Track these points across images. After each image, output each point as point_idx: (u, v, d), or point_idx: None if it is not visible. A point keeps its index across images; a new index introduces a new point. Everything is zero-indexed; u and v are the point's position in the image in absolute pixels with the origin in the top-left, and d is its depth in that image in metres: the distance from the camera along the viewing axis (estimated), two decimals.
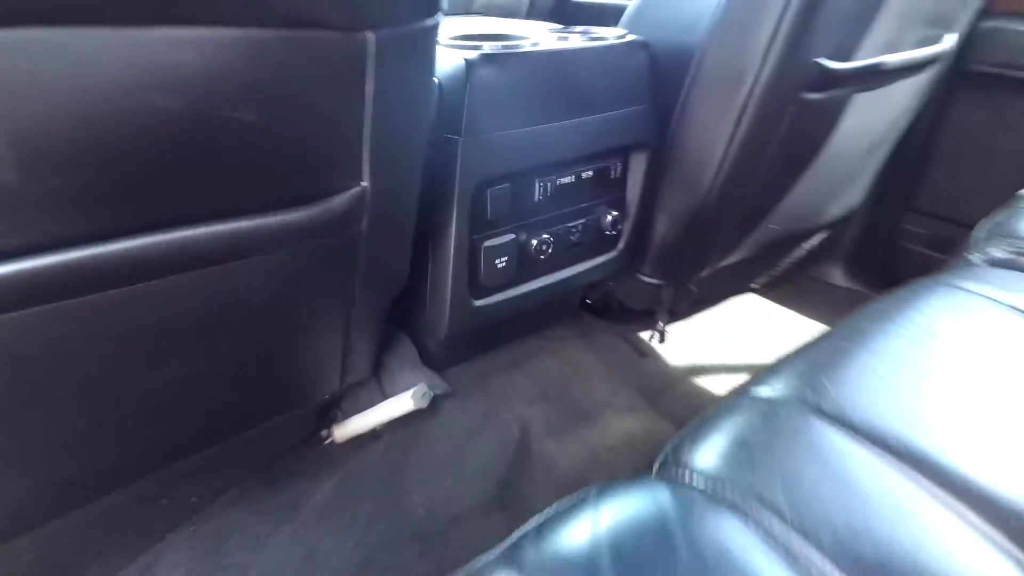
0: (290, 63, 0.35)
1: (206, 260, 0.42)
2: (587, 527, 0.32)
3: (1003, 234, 0.67)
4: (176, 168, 0.36)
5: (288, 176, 0.41)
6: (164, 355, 0.48)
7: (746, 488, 0.34)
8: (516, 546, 0.32)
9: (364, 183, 0.45)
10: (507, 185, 0.66)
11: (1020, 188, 0.82)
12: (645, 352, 1.03)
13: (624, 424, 0.89)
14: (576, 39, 0.70)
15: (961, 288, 0.56)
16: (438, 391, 0.83)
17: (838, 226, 1.21)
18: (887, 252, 1.26)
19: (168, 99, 0.32)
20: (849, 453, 0.37)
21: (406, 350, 0.83)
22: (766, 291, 1.30)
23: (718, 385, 1.00)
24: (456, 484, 0.78)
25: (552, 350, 0.97)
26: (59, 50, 0.28)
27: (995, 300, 0.54)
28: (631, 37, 0.73)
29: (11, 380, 0.40)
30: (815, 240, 1.21)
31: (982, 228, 0.71)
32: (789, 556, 0.30)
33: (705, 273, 0.97)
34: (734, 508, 0.33)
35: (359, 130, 0.41)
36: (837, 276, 1.35)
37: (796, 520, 0.32)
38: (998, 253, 0.64)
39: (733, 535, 0.31)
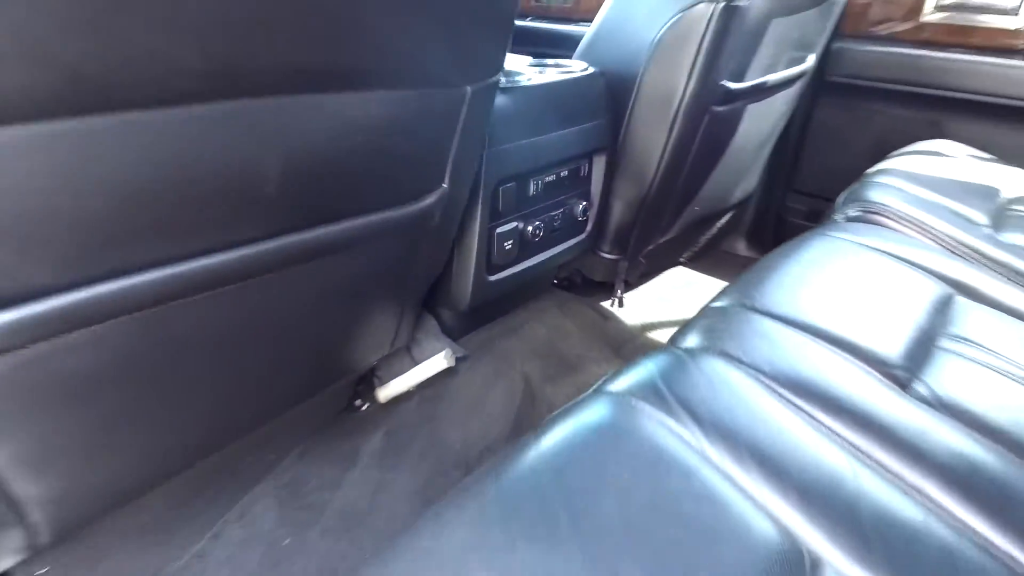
0: (422, 108, 0.53)
1: (335, 249, 0.58)
2: (559, 430, 0.44)
3: (855, 200, 0.95)
4: (344, 181, 0.53)
5: (403, 182, 0.59)
6: (276, 333, 0.63)
7: (676, 389, 0.52)
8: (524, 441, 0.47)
9: (445, 185, 0.63)
10: (512, 184, 0.86)
11: (867, 168, 1.12)
12: (608, 316, 1.26)
13: (600, 369, 1.11)
14: (552, 73, 0.91)
15: (830, 236, 0.82)
16: (458, 354, 1.01)
17: (740, 207, 1.50)
18: (776, 225, 1.58)
19: (354, 136, 0.50)
20: (780, 336, 0.60)
21: (429, 323, 1.00)
22: (691, 263, 1.58)
23: (663, 336, 1.25)
24: (481, 425, 0.96)
25: (538, 319, 1.18)
26: (300, 109, 0.45)
27: (851, 241, 0.81)
28: (591, 69, 0.95)
29: (166, 360, 0.51)
30: (724, 219, 1.50)
31: (842, 197, 1.00)
32: (710, 456, 0.52)
33: (649, 248, 1.21)
34: (664, 411, 0.47)
35: (449, 148, 0.60)
36: (741, 247, 1.65)
37: (712, 427, 0.46)
38: (852, 212, 0.92)
39: (651, 433, 0.44)
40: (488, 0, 0.50)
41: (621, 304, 1.27)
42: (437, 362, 0.96)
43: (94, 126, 0.34)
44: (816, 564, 0.38)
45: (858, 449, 0.48)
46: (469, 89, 0.55)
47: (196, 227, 0.44)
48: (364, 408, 1.00)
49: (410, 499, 0.85)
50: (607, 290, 1.27)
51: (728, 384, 0.51)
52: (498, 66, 0.57)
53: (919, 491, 0.45)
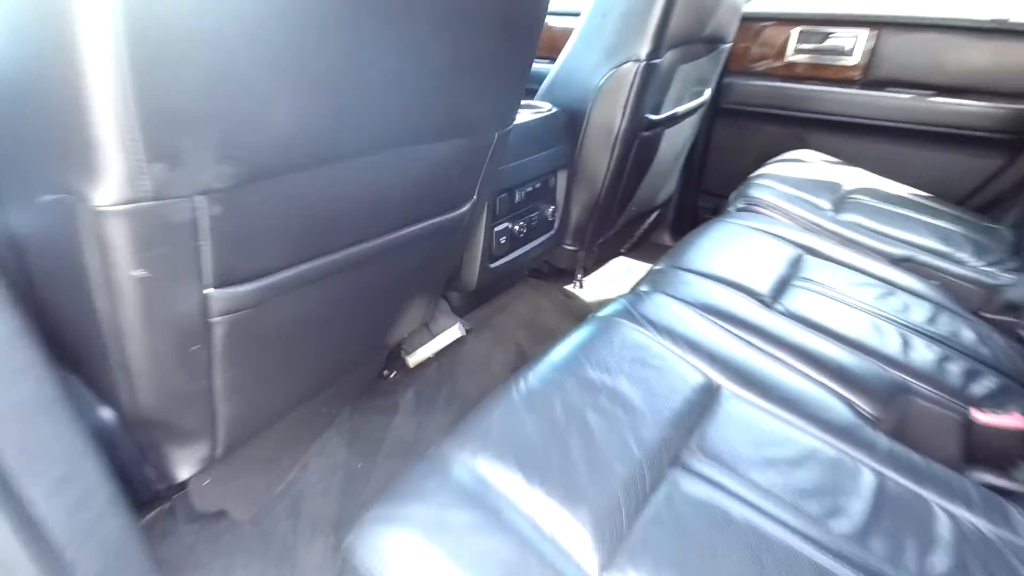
0: (469, 149, 0.81)
1: (406, 245, 0.85)
2: (574, 337, 0.79)
3: (742, 196, 1.31)
4: (419, 196, 0.80)
5: (450, 197, 0.87)
6: (363, 307, 0.89)
7: (640, 311, 0.86)
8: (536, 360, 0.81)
9: (475, 198, 0.92)
10: (505, 194, 1.16)
11: (751, 173, 1.50)
12: (572, 295, 1.58)
13: None
14: (528, 113, 1.21)
15: (726, 222, 1.17)
16: (466, 327, 1.29)
17: (664, 206, 1.87)
18: (691, 219, 1.96)
19: (431, 169, 0.77)
20: (697, 283, 0.93)
21: (442, 304, 1.28)
22: (629, 253, 1.92)
23: None
24: (488, 379, 1.25)
25: (520, 300, 1.48)
26: (407, 154, 0.72)
27: (739, 225, 1.16)
28: (554, 109, 1.27)
29: (321, 316, 0.78)
30: (652, 217, 1.86)
31: (733, 195, 1.36)
32: (662, 342, 0.84)
33: (600, 240, 1.54)
34: (634, 323, 0.85)
35: (479, 173, 0.88)
36: (666, 239, 2.03)
37: (662, 328, 0.85)
38: (740, 205, 1.28)
39: (629, 333, 0.83)
40: (513, 82, 0.80)
41: (581, 286, 1.59)
42: (452, 333, 1.24)
43: (320, 172, 0.61)
44: (720, 388, 0.70)
45: (744, 339, 0.81)
46: (496, 135, 0.84)
47: (346, 230, 0.71)
48: (392, 376, 1.25)
49: (444, 432, 1.11)
50: (569, 276, 1.58)
51: (669, 308, 0.83)
52: (513, 118, 0.87)
53: (781, 360, 0.78)
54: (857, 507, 0.58)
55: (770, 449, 0.62)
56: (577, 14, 1.32)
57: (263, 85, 0.49)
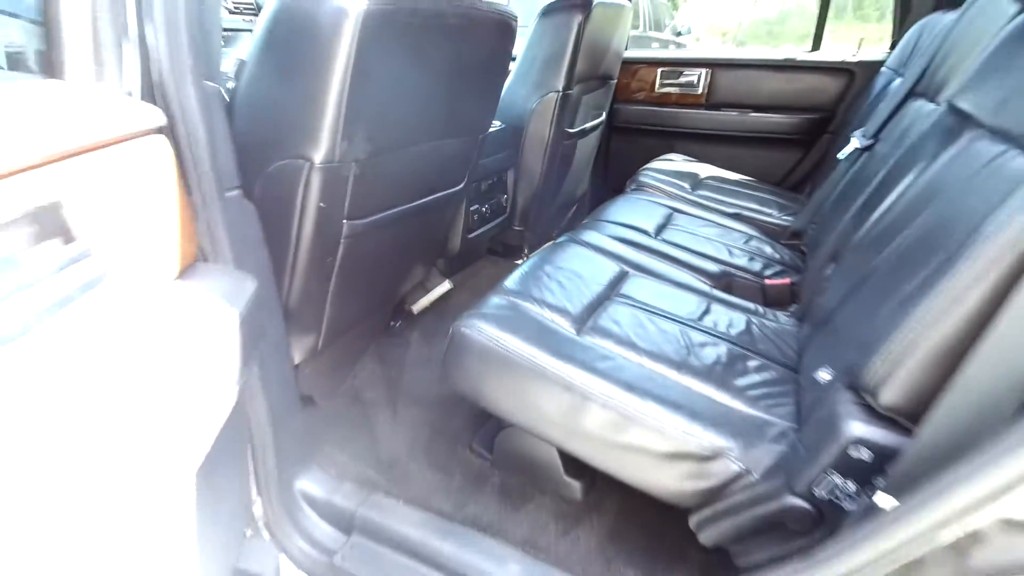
0: (465, 146, 1.28)
1: (431, 206, 1.29)
2: (537, 254, 1.30)
3: (635, 182, 1.87)
4: (441, 174, 1.25)
5: (455, 178, 1.32)
6: (403, 254, 1.32)
7: (577, 239, 1.36)
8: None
9: (464, 181, 1.38)
10: (475, 183, 1.62)
11: (639, 169, 2.06)
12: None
13: None
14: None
15: (625, 197, 1.71)
16: (451, 284, 1.72)
17: (581, 200, 2.41)
18: None
19: (445, 157, 1.23)
20: (610, 226, 1.43)
21: (432, 269, 1.70)
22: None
23: None
24: None
25: (483, 269, 1.94)
26: (450, 144, 1.17)
27: (635, 197, 1.70)
28: (503, 125, 1.76)
29: (365, 263, 1.21)
30: (574, 208, 2.39)
31: (629, 181, 1.92)
32: (593, 253, 1.35)
33: (540, 223, 2.03)
34: (575, 243, 1.35)
35: (469, 163, 1.35)
36: None
37: (592, 246, 1.37)
38: (633, 187, 1.84)
39: (573, 248, 1.33)
40: (492, 103, 1.27)
41: (528, 259, 2.07)
42: (443, 287, 1.67)
43: (401, 152, 1.05)
44: (628, 273, 1.20)
45: (639, 251, 1.32)
46: (480, 137, 1.31)
47: (410, 191, 1.15)
48: (398, 324, 1.66)
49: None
50: (518, 251, 2.06)
51: (595, 236, 1.33)
52: (489, 126, 1.34)
53: (660, 261, 1.30)
54: (696, 308, 1.09)
55: (657, 297, 1.13)
56: (515, 59, 1.83)
57: (392, 109, 0.94)
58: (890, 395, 0.61)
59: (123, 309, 0.45)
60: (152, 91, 0.61)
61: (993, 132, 0.81)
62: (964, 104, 0.92)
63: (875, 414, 0.63)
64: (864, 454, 0.62)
